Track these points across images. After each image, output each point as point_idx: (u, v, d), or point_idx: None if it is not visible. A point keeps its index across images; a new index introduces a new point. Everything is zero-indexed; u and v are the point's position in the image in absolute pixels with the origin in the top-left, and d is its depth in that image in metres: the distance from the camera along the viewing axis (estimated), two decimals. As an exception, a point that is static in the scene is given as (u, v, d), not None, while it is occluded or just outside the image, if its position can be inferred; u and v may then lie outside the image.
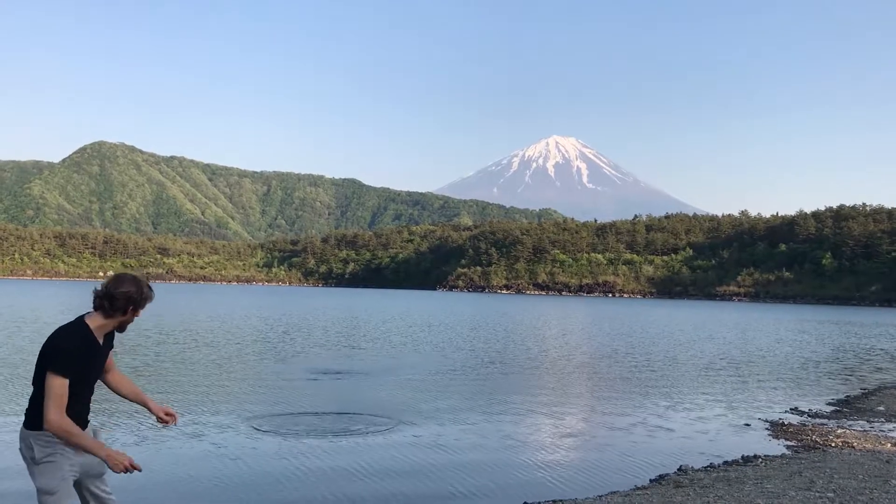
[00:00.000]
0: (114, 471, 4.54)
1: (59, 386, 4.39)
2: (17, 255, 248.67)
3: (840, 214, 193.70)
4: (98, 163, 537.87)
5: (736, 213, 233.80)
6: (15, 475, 8.56)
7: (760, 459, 10.34)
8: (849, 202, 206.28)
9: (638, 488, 8.83)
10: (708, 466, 10.06)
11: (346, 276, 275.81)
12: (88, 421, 4.76)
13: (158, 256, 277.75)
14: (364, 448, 10.54)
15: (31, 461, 4.52)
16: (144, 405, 5.09)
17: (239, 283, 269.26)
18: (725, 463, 10.25)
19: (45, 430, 4.44)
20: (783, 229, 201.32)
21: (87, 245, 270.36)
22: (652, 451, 11.07)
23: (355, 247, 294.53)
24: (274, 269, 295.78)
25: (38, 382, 4.52)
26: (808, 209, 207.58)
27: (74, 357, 4.49)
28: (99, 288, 4.66)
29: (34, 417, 4.52)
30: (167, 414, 5.06)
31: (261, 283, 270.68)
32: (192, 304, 63.30)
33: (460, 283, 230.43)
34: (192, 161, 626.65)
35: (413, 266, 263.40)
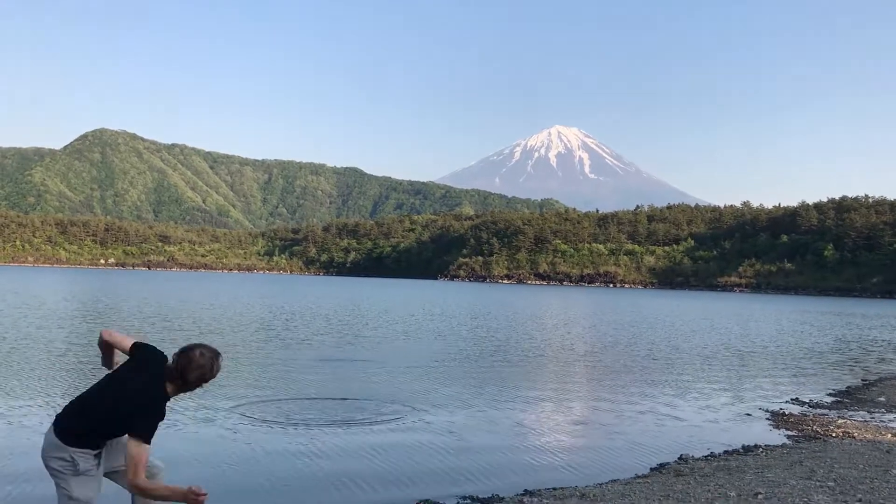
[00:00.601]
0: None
1: (146, 451, 4.72)
2: (18, 242, 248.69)
3: (842, 206, 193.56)
4: (99, 150, 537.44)
5: (738, 204, 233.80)
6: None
7: (761, 449, 10.35)
8: (851, 194, 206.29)
9: (638, 477, 8.85)
10: (708, 455, 10.07)
11: (348, 265, 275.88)
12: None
13: (159, 244, 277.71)
14: (365, 433, 10.55)
15: (72, 471, 4.73)
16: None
17: (240, 271, 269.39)
18: (726, 452, 10.26)
19: (128, 488, 4.80)
20: (785, 220, 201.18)
21: (88, 232, 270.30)
22: (652, 440, 11.08)
23: (356, 236, 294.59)
24: (275, 258, 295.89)
25: (103, 418, 4.74)
26: (811, 200, 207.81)
27: (158, 424, 4.84)
28: (172, 365, 4.87)
29: (79, 437, 4.74)
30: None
31: (262, 272, 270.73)
32: (194, 292, 63.37)
33: (461, 272, 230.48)
34: (193, 149, 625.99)
35: (414, 255, 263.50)
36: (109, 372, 5.09)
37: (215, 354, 4.92)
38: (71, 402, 4.93)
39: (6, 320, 27.29)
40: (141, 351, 5.00)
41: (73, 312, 33.87)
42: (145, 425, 4.71)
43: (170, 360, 4.92)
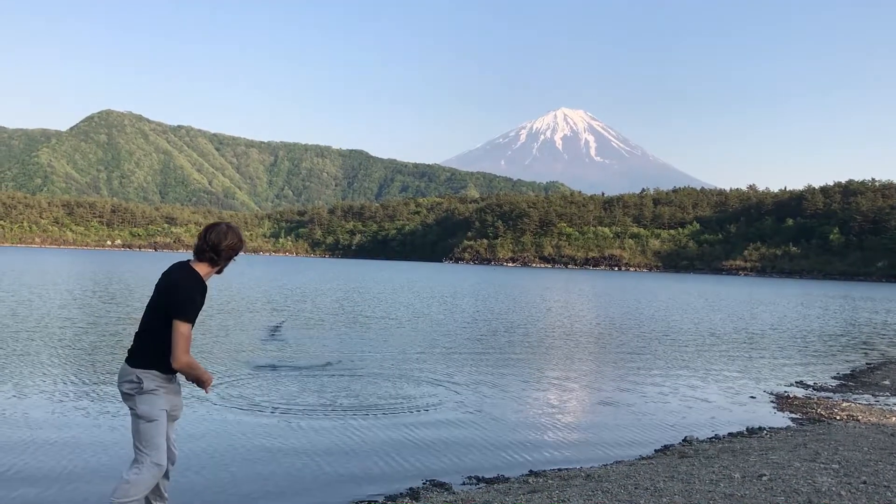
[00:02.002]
0: (208, 388, 5.27)
1: (188, 331, 4.95)
2: (25, 224, 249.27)
3: (848, 189, 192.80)
4: (106, 131, 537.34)
5: (744, 188, 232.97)
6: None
7: (765, 431, 10.38)
8: (857, 177, 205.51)
9: (643, 458, 8.88)
10: (713, 438, 10.11)
11: (353, 248, 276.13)
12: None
13: (166, 226, 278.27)
14: (369, 414, 10.59)
15: (138, 391, 5.03)
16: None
17: (246, 252, 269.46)
18: (730, 434, 10.29)
19: (163, 366, 5.01)
20: (791, 204, 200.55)
21: (94, 214, 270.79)
22: (657, 423, 11.12)
23: (362, 218, 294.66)
24: (281, 240, 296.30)
25: (153, 324, 5.05)
26: (817, 184, 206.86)
27: (197, 304, 5.07)
28: (200, 242, 5.18)
29: (143, 357, 5.05)
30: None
31: (267, 254, 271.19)
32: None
33: (466, 255, 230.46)
34: (199, 130, 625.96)
35: (419, 238, 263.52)
36: None
37: (238, 228, 5.29)
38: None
39: (31, 300, 27.39)
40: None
41: (92, 293, 33.97)
42: (180, 304, 4.94)
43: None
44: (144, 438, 4.99)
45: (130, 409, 5.09)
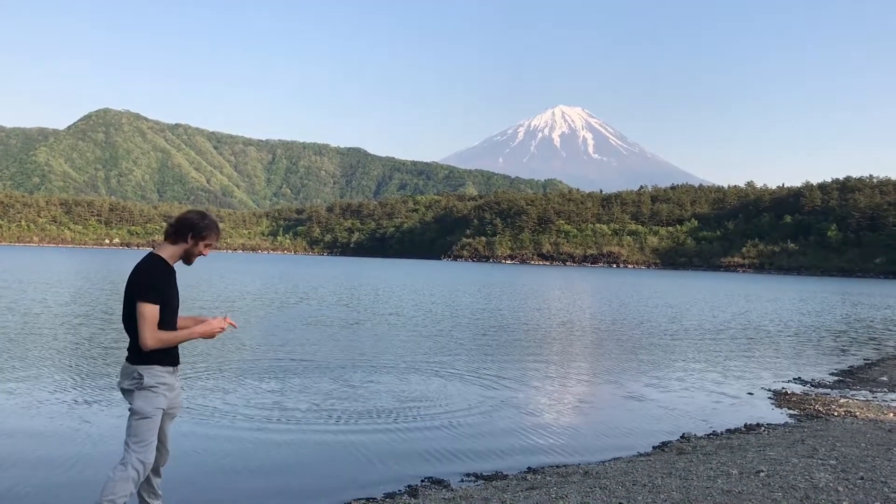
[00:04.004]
0: (213, 337, 5.25)
1: (149, 310, 4.88)
2: (23, 222, 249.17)
3: (846, 186, 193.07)
4: (103, 130, 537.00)
5: (742, 185, 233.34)
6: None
7: (763, 427, 10.40)
8: (855, 174, 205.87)
9: (641, 455, 8.90)
10: (711, 434, 10.12)
11: (351, 246, 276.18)
12: (177, 353, 5.24)
13: (164, 224, 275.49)
14: (367, 411, 10.60)
15: (139, 386, 5.00)
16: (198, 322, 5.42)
17: (244, 251, 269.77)
18: (728, 431, 10.30)
19: (143, 349, 4.93)
20: (789, 201, 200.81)
21: (92, 212, 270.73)
22: (655, 419, 11.13)
23: (360, 216, 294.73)
24: (279, 238, 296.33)
25: (132, 320, 5.00)
26: (815, 181, 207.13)
27: (158, 284, 4.96)
28: (171, 223, 5.18)
29: (137, 352, 5.01)
30: (228, 323, 5.40)
31: (266, 252, 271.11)
32: (202, 272, 63.44)
33: (465, 253, 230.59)
34: (197, 129, 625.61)
35: (418, 236, 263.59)
36: None
37: (213, 217, 5.27)
38: None
39: (35, 298, 27.39)
40: None
41: (94, 289, 33.96)
42: (139, 285, 4.91)
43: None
44: (135, 434, 4.97)
45: (128, 403, 5.09)
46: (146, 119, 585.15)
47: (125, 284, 5.07)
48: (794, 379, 15.44)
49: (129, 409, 5.05)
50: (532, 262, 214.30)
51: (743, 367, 17.25)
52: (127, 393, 5.06)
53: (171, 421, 5.33)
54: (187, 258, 5.18)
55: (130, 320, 5.00)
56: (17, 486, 6.96)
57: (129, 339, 5.08)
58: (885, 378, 15.73)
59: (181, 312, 5.33)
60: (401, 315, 28.16)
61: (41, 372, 12.87)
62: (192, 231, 5.09)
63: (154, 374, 5.01)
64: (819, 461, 7.83)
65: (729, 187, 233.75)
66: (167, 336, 4.95)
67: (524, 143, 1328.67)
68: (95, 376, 12.71)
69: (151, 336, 4.87)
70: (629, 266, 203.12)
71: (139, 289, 4.89)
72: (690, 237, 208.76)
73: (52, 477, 7.32)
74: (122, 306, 5.06)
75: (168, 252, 5.11)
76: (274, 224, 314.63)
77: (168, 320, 5.03)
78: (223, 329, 5.19)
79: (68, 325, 20.30)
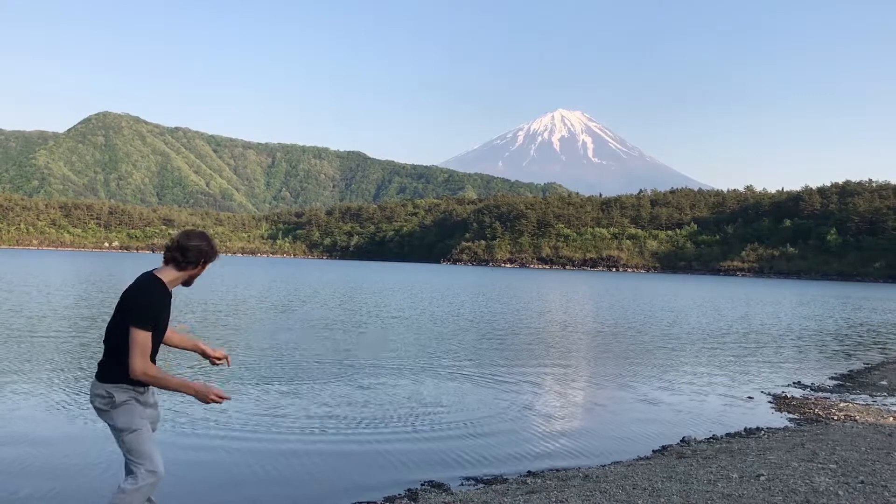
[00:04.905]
0: (204, 403, 4.94)
1: (143, 338, 4.70)
2: (22, 226, 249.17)
3: (846, 190, 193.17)
4: (103, 133, 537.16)
5: (741, 189, 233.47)
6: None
7: (763, 431, 10.39)
8: (854, 178, 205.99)
9: (641, 458, 8.89)
10: (711, 438, 10.11)
11: (351, 249, 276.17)
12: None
13: (163, 227, 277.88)
14: (367, 415, 10.60)
15: (111, 406, 4.83)
16: (197, 349, 5.47)
17: (243, 254, 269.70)
18: (728, 435, 10.30)
19: (130, 378, 4.73)
20: (788, 205, 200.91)
21: (92, 216, 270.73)
22: (655, 423, 11.13)
23: (360, 220, 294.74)
24: (278, 241, 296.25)
25: (115, 337, 4.84)
26: (814, 185, 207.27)
27: (154, 310, 4.80)
28: (169, 243, 4.99)
29: (108, 372, 4.84)
30: (222, 357, 5.50)
31: (265, 255, 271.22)
32: (202, 274, 63.33)
33: (464, 256, 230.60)
34: (196, 132, 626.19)
35: (417, 239, 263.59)
36: None
37: (212, 237, 5.08)
38: None
39: (39, 300, 27.38)
40: None
41: (97, 293, 33.94)
42: (133, 309, 4.74)
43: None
44: (132, 450, 4.84)
45: (108, 425, 4.91)
46: (146, 122, 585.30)
47: (119, 299, 4.90)
48: (794, 383, 15.43)
49: (114, 429, 4.88)
50: (531, 266, 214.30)
51: (743, 371, 17.24)
52: (102, 412, 4.88)
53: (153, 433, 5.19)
54: (188, 281, 5.07)
55: (113, 336, 4.85)
56: (28, 489, 6.96)
57: (102, 355, 4.92)
58: (884, 382, 15.72)
59: (182, 319, 5.26)
60: (402, 318, 28.15)
61: (54, 375, 12.86)
62: (205, 258, 4.99)
63: (123, 389, 4.83)
64: (819, 465, 7.82)
65: (728, 191, 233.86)
66: (157, 374, 4.76)
67: (524, 146, 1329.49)
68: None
69: (142, 365, 4.68)
70: (629, 270, 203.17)
71: (135, 313, 4.73)
72: (690, 241, 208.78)
73: (72, 479, 7.32)
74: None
75: (170, 277, 4.95)
76: (273, 227, 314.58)
77: (155, 339, 4.88)
78: (219, 402, 4.93)
79: (76, 328, 20.33)
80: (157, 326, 4.85)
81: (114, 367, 4.84)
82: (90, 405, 5.00)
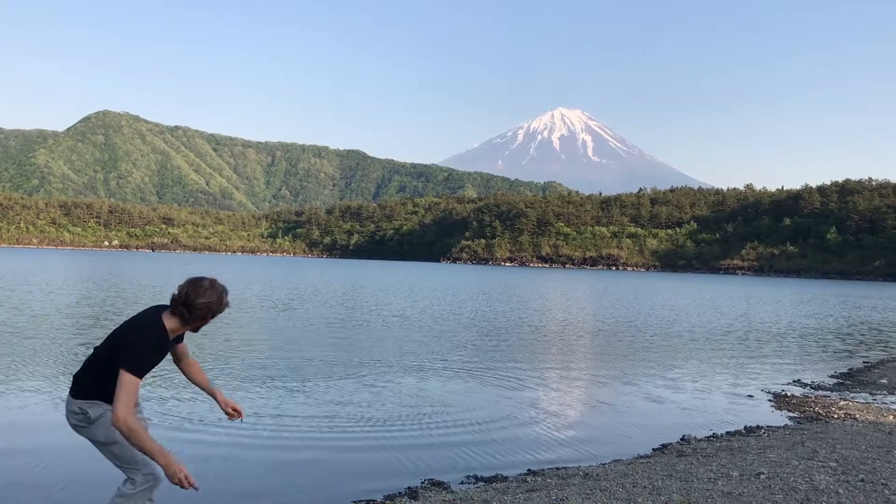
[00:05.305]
0: (169, 480, 4.58)
1: (132, 384, 4.44)
2: (22, 224, 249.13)
3: (845, 189, 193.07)
4: (103, 132, 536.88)
5: (741, 187, 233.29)
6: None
7: (763, 430, 10.39)
8: (854, 177, 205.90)
9: (641, 457, 8.89)
10: (711, 436, 10.12)
11: (351, 248, 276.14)
12: (138, 404, 4.89)
13: (163, 226, 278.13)
14: (367, 413, 10.60)
15: (86, 422, 4.67)
16: (213, 396, 5.32)
17: (243, 253, 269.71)
18: (728, 433, 10.30)
19: (112, 424, 4.46)
20: (788, 203, 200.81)
21: (92, 214, 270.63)
22: (655, 421, 11.13)
23: (359, 218, 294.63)
24: (278, 240, 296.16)
25: (100, 364, 4.64)
26: (814, 183, 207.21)
27: (149, 357, 4.61)
28: (177, 293, 4.67)
29: (85, 389, 4.67)
30: (234, 409, 5.32)
31: (265, 254, 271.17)
32: (205, 274, 63.35)
33: (464, 255, 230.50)
34: (196, 131, 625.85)
35: (417, 238, 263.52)
36: None
37: (224, 289, 4.77)
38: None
39: (42, 299, 27.39)
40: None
41: (99, 292, 33.94)
42: (126, 352, 4.50)
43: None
44: (124, 458, 4.70)
45: (90, 440, 4.76)
46: (145, 121, 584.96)
47: (116, 329, 4.72)
48: (794, 381, 15.44)
49: (96, 443, 4.73)
50: (531, 265, 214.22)
51: (743, 369, 17.24)
52: (80, 429, 4.73)
53: None
54: (195, 329, 4.83)
55: (98, 360, 4.67)
56: (31, 487, 6.96)
57: (80, 371, 4.76)
58: (884, 380, 15.73)
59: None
60: (402, 317, 28.15)
61: (59, 372, 12.87)
62: (212, 314, 4.74)
63: (97, 404, 4.68)
64: (819, 463, 7.82)
65: (728, 190, 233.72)
66: (137, 429, 4.41)
67: (524, 145, 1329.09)
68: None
69: (124, 413, 4.36)
70: (628, 268, 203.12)
71: (129, 355, 4.48)
72: (690, 239, 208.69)
73: (76, 476, 7.33)
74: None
75: (173, 325, 4.70)
76: (273, 226, 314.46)
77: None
78: (179, 483, 4.54)
79: (80, 327, 20.34)
80: (147, 371, 4.66)
81: (89, 385, 4.67)
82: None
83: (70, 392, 4.74)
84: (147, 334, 4.60)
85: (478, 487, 7.44)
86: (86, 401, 4.67)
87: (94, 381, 4.67)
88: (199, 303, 4.63)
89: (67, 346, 16.56)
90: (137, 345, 4.53)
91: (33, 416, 9.86)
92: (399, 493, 7.24)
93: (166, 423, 9.56)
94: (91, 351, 4.83)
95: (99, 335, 18.73)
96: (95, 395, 4.66)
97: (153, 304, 4.99)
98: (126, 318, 4.84)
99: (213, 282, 4.74)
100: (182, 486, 4.55)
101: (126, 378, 4.42)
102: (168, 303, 4.76)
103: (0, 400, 10.77)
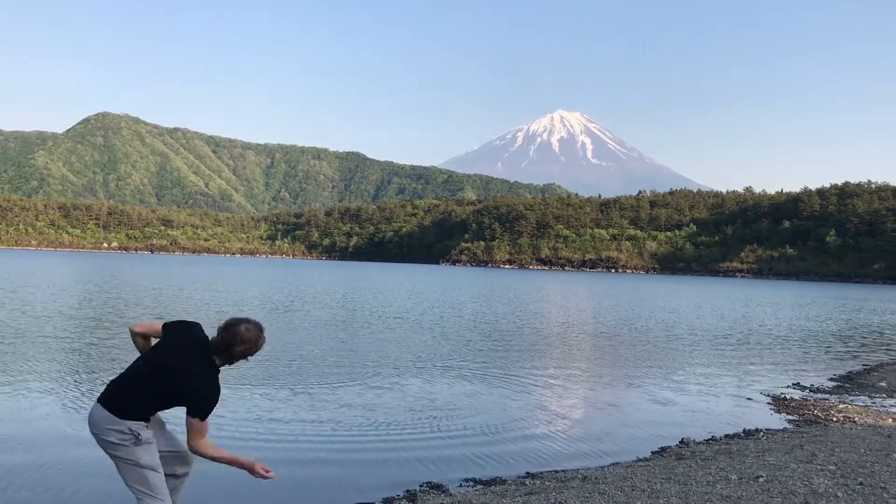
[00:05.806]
0: (252, 475, 4.94)
1: (202, 427, 4.81)
2: (21, 226, 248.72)
3: (845, 191, 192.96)
4: (102, 134, 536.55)
5: (740, 190, 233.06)
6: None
7: (762, 433, 10.40)
8: (854, 179, 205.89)
9: (640, 460, 8.89)
10: (710, 439, 10.12)
11: (350, 250, 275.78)
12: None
13: (162, 228, 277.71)
14: (367, 416, 10.60)
15: (134, 442, 4.78)
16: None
17: (242, 255, 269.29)
18: (727, 436, 10.30)
19: (134, 410, 4.81)
20: (787, 206, 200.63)
21: (91, 216, 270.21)
22: (654, 424, 11.13)
23: (359, 220, 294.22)
24: (277, 242, 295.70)
25: (151, 394, 4.82)
26: (813, 186, 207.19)
27: (215, 404, 4.91)
28: (217, 338, 4.93)
29: (133, 410, 4.81)
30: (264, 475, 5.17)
31: (264, 256, 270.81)
32: (203, 275, 63.41)
33: (463, 257, 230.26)
34: (195, 133, 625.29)
35: (416, 240, 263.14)
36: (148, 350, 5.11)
37: (260, 329, 5.01)
38: (116, 378, 4.96)
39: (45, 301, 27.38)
40: (173, 327, 5.06)
41: (101, 293, 33.93)
42: (206, 409, 4.82)
43: (213, 335, 4.98)
44: (154, 486, 4.81)
45: (121, 458, 4.80)
46: (145, 123, 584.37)
47: (174, 362, 4.81)
48: (793, 384, 15.44)
49: (133, 464, 4.79)
50: (531, 267, 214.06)
51: (741, 372, 17.25)
52: (119, 447, 4.78)
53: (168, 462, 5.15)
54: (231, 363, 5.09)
55: (146, 388, 4.81)
56: (34, 485, 6.96)
57: (127, 392, 4.84)
58: (883, 384, 15.73)
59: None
60: (403, 319, 28.14)
61: (65, 374, 12.86)
62: (251, 354, 5.01)
63: (143, 427, 4.84)
64: (818, 467, 7.82)
65: (727, 192, 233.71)
66: (211, 451, 4.87)
67: (523, 147, 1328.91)
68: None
69: (198, 444, 4.82)
70: (628, 271, 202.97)
71: (204, 410, 4.80)
72: (689, 242, 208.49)
73: (80, 475, 7.32)
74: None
75: (219, 363, 4.97)
76: (272, 228, 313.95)
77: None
78: (263, 476, 4.90)
79: (83, 328, 20.36)
80: None
81: (140, 408, 4.84)
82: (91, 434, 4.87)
83: (112, 411, 4.79)
84: (213, 387, 4.89)
85: (476, 490, 7.44)
86: (136, 422, 4.81)
87: (144, 406, 4.84)
88: (236, 351, 4.93)
89: (72, 347, 16.57)
90: (210, 400, 4.84)
91: (43, 421, 9.85)
92: (397, 496, 7.25)
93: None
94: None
95: (102, 336, 18.75)
96: (141, 417, 4.84)
97: (177, 317, 5.09)
98: (182, 356, 4.87)
99: (247, 325, 4.96)
100: (265, 476, 4.90)
101: (197, 423, 4.77)
102: (190, 318, 5.03)
103: (7, 401, 10.79)
